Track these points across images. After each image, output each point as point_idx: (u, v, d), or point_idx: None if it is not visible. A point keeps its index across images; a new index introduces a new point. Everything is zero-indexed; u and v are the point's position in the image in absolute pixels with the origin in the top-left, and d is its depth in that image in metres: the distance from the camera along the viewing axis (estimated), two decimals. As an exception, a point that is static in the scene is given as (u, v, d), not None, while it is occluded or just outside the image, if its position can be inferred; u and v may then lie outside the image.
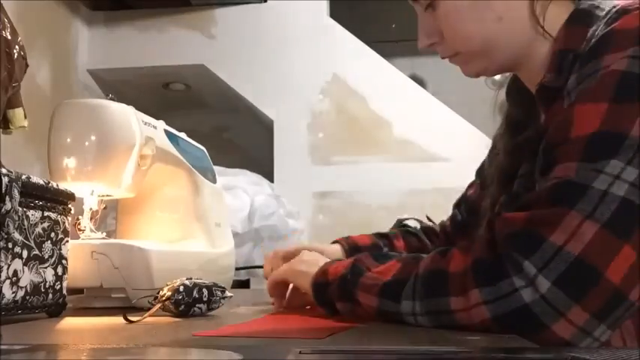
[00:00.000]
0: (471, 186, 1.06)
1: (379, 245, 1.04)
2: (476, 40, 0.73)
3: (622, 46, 0.61)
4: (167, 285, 0.78)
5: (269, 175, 3.05)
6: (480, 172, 1.02)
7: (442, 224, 1.11)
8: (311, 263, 0.79)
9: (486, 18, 0.71)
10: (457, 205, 1.08)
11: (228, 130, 4.05)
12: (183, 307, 0.76)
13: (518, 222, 0.59)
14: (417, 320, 0.63)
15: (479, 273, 0.59)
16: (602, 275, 0.55)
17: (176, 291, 0.76)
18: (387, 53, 3.34)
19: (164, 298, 0.76)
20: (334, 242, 1.06)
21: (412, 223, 1.11)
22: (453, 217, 1.09)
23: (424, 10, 0.75)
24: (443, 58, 0.78)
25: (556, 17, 0.70)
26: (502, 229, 0.60)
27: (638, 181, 0.57)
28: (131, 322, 0.70)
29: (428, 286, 0.63)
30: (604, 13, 0.66)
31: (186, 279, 0.78)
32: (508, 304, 0.57)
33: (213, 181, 1.25)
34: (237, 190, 2.45)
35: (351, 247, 1.02)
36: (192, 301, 0.76)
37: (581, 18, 0.68)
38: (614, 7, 0.66)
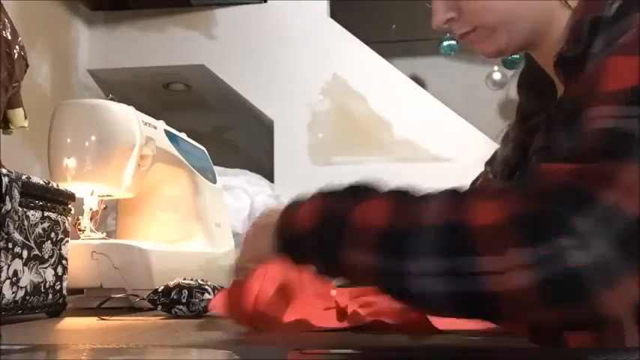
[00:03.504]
0: (478, 178, 0.98)
1: None
2: (499, 9, 0.69)
3: None
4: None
5: (269, 175, 3.05)
6: (490, 162, 0.95)
7: None
8: (270, 216, 0.64)
9: None
10: None
11: (228, 130, 4.05)
12: (160, 307, 0.76)
13: (563, 174, 0.51)
14: (424, 283, 0.52)
15: (519, 229, 0.50)
16: None
17: (154, 291, 0.77)
18: (387, 53, 3.35)
19: (143, 297, 0.78)
20: None
21: None
22: None
23: None
24: (460, 35, 0.73)
25: None
26: (544, 181, 0.52)
27: None
28: (104, 319, 0.71)
29: (447, 240, 0.52)
30: None
31: (183, 279, 0.78)
32: (552, 267, 0.49)
33: (213, 181, 1.25)
34: (237, 190, 2.46)
35: None
36: (169, 302, 0.76)
37: None
38: None
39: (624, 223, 0.49)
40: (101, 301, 0.82)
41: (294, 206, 0.63)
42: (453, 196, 0.56)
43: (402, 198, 0.58)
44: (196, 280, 0.78)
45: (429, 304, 0.53)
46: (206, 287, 0.78)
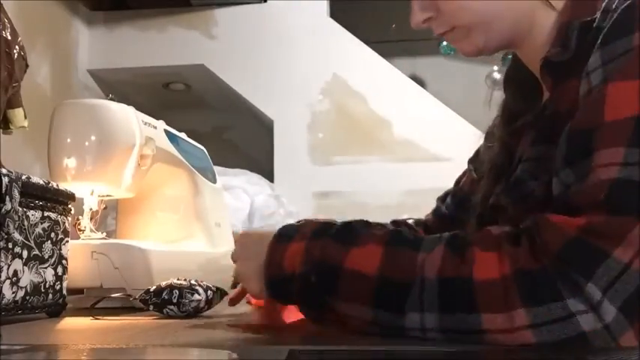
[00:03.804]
0: (462, 176, 0.96)
1: None
2: (475, 9, 0.67)
3: None
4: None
5: (269, 175, 3.06)
6: (473, 160, 0.94)
7: (419, 222, 1.00)
8: (258, 246, 0.63)
9: None
10: (442, 199, 0.98)
11: (228, 130, 4.06)
12: (152, 307, 0.76)
13: (570, 229, 0.50)
14: (426, 335, 0.52)
15: (525, 288, 0.49)
16: None
17: (146, 291, 0.77)
18: (387, 53, 3.35)
19: (135, 296, 0.78)
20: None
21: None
22: (436, 211, 0.98)
23: None
24: (438, 34, 0.72)
25: None
26: (550, 236, 0.50)
27: None
28: (98, 319, 0.72)
29: (446, 297, 0.51)
30: None
31: (177, 279, 0.78)
32: (561, 330, 0.48)
33: (213, 181, 1.25)
34: (237, 190, 2.46)
35: None
36: (161, 302, 0.76)
37: None
38: None
39: (636, 284, 0.47)
40: (95, 301, 0.82)
41: (282, 242, 0.61)
42: (451, 243, 0.54)
43: (395, 243, 0.56)
44: (189, 281, 0.78)
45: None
46: (197, 287, 0.77)
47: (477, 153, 0.93)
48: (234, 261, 0.68)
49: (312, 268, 0.57)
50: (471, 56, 0.72)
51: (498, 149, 0.78)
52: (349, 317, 0.56)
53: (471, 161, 0.94)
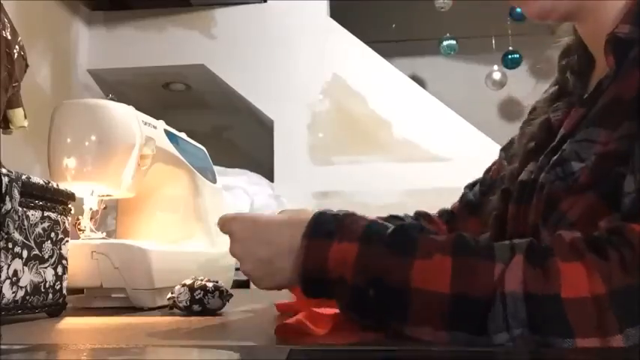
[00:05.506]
0: (493, 165, 0.95)
1: None
2: None
3: None
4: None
5: (269, 175, 3.06)
6: (506, 148, 0.91)
7: (443, 211, 0.99)
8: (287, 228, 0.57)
9: None
10: (470, 186, 0.98)
11: (228, 130, 4.06)
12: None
13: None
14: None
15: (622, 310, 0.45)
16: None
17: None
18: (387, 53, 3.35)
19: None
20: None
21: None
22: (462, 198, 0.97)
23: None
24: None
25: None
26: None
27: None
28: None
29: (536, 317, 0.46)
30: None
31: (191, 279, 0.79)
32: None
33: (213, 181, 1.25)
34: (237, 190, 2.46)
35: None
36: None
37: None
38: None
39: None
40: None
41: (321, 238, 0.55)
42: (529, 253, 0.48)
43: (463, 252, 0.50)
44: (186, 280, 0.80)
45: None
46: (176, 286, 0.79)
47: (511, 142, 0.92)
48: (236, 256, 0.62)
49: (369, 281, 0.51)
50: (534, 18, 0.70)
51: (539, 125, 0.76)
52: (419, 339, 0.50)
53: (503, 149, 0.92)
